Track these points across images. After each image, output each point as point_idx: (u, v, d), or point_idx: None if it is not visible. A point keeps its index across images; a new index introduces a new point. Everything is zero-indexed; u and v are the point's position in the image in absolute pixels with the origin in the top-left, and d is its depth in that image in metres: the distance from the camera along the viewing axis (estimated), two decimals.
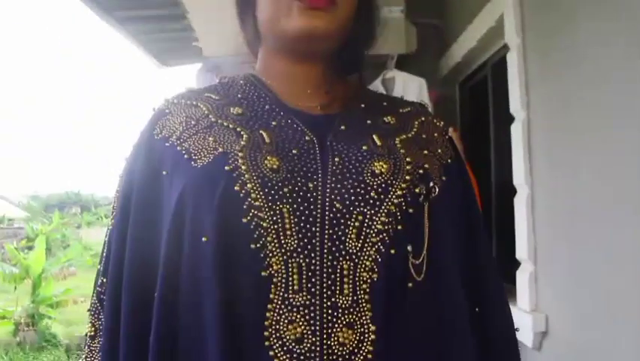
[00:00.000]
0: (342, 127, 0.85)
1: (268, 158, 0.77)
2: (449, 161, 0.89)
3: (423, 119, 0.93)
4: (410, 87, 3.12)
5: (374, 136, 0.83)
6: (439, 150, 0.89)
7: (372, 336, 0.72)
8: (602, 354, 1.72)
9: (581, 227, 1.86)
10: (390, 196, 0.76)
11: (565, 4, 1.90)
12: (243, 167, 0.75)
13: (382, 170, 0.78)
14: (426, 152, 0.86)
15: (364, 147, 0.81)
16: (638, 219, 1.51)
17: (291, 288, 0.72)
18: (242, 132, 0.81)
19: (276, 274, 0.72)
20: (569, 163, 1.92)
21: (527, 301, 2.19)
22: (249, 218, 0.73)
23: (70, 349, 15.27)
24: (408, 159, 0.80)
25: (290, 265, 0.73)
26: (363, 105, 0.91)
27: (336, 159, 0.79)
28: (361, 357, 0.71)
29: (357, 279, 0.73)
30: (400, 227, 0.75)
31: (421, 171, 0.80)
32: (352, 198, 0.76)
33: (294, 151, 0.79)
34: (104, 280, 0.86)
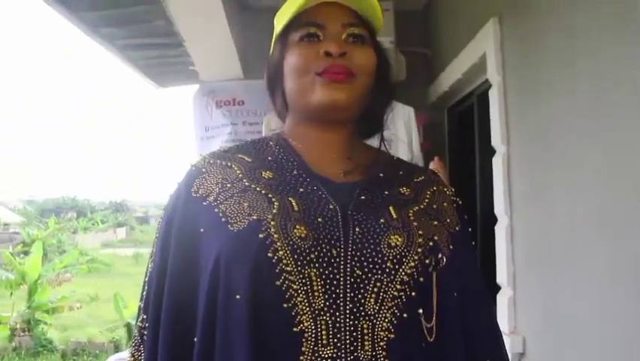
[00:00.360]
0: (363, 197, 0.95)
1: (297, 227, 0.87)
2: (457, 229, 1.00)
3: (435, 188, 1.04)
4: (399, 114, 3.25)
5: (390, 208, 0.94)
6: (448, 220, 1.00)
7: None
8: None
9: (555, 256, 2.00)
10: (404, 267, 0.87)
11: (542, 46, 2.04)
12: (275, 235, 0.85)
13: (397, 243, 0.89)
14: (436, 223, 0.96)
15: (382, 220, 0.91)
16: (605, 250, 1.65)
17: (320, 342, 0.83)
18: (273, 199, 0.91)
19: (306, 330, 0.83)
20: (545, 196, 2.07)
21: (506, 323, 2.32)
22: (280, 281, 0.84)
23: (66, 354, 15.39)
24: (420, 232, 0.91)
25: (319, 322, 0.84)
26: (382, 175, 1.01)
27: (357, 229, 0.90)
28: None
29: (375, 337, 0.85)
30: (413, 293, 0.87)
31: (431, 243, 0.91)
32: (370, 266, 0.87)
33: (319, 220, 0.89)
34: (145, 317, 0.98)
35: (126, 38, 3.17)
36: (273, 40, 1.06)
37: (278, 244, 0.85)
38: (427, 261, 0.89)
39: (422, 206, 0.98)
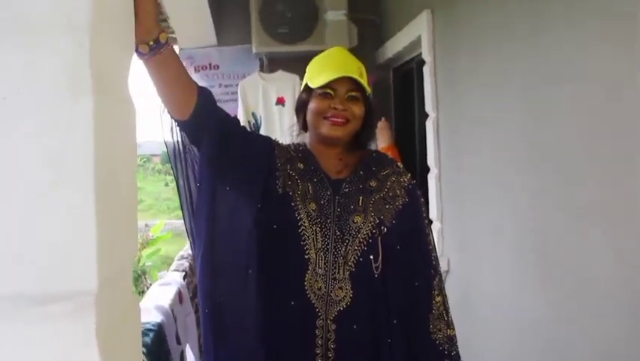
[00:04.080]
0: (346, 189, 1.58)
1: (310, 203, 1.54)
2: (402, 207, 1.60)
3: (394, 179, 1.63)
4: (288, 83, 4.00)
5: (360, 197, 1.57)
6: (397, 203, 1.60)
7: (351, 295, 1.50)
8: (482, 283, 2.61)
9: (468, 196, 2.71)
10: (360, 234, 1.53)
11: (460, 35, 2.68)
12: (300, 205, 1.53)
13: (358, 220, 1.53)
14: (388, 206, 1.58)
15: (352, 206, 1.55)
16: (499, 191, 2.36)
17: (317, 266, 1.50)
18: (299, 182, 1.56)
19: (310, 258, 1.50)
20: (461, 152, 2.76)
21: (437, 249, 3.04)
22: (300, 230, 1.51)
23: None
24: (372, 214, 1.54)
25: (317, 255, 1.51)
26: (361, 172, 1.62)
27: (338, 210, 1.55)
28: (344, 304, 1.50)
29: (346, 269, 1.51)
30: (365, 248, 1.52)
31: (377, 221, 1.54)
32: (344, 231, 1.52)
33: (322, 201, 1.55)
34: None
35: None
36: (304, 84, 1.64)
37: (301, 210, 1.52)
38: (374, 231, 1.53)
39: (381, 194, 1.58)
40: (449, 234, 3.00)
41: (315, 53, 1.67)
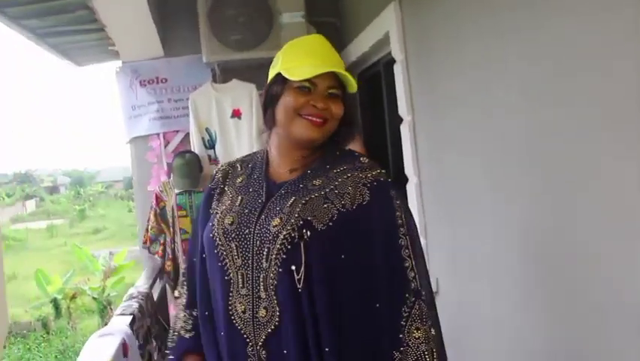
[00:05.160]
0: (283, 191, 1.39)
1: (227, 216, 1.40)
2: (353, 208, 1.33)
3: (349, 175, 1.37)
4: (244, 92, 3.72)
5: (292, 198, 1.36)
6: (343, 202, 1.33)
7: (278, 314, 1.30)
8: (473, 305, 2.28)
9: (456, 209, 2.38)
10: (278, 239, 1.30)
11: (435, 30, 2.37)
12: (216, 224, 1.41)
13: (276, 223, 1.33)
14: (326, 205, 1.33)
15: (278, 208, 1.36)
16: (494, 204, 2.04)
17: (239, 285, 1.35)
18: (229, 198, 1.45)
19: (232, 278, 1.36)
20: (443, 159, 2.44)
21: None
22: (217, 250, 1.38)
23: None
24: (296, 215, 1.32)
25: (239, 274, 1.35)
26: (309, 171, 1.41)
27: (262, 216, 1.36)
28: (272, 326, 1.31)
29: (268, 284, 1.31)
30: (284, 256, 1.29)
31: (301, 222, 1.30)
32: (263, 239, 1.33)
33: (246, 210, 1.39)
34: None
35: (47, 27, 3.23)
36: (274, 73, 1.42)
37: (215, 228, 1.40)
38: (294, 234, 1.30)
39: (323, 192, 1.36)
40: (436, 252, 2.66)
41: (271, 60, 1.48)
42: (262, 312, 1.32)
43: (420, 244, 1.41)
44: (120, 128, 4.01)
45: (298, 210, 1.33)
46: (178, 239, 3.66)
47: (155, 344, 2.53)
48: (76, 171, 61.15)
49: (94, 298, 15.76)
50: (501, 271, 2.04)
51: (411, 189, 2.77)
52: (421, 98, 2.64)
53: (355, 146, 3.22)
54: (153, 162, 4.06)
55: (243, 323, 1.34)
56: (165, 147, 4.04)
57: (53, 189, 55.15)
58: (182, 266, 3.57)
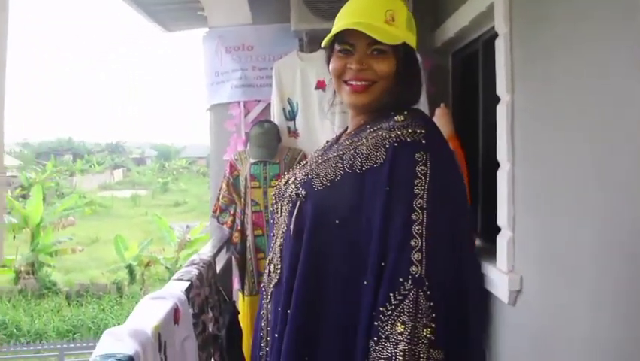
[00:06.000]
0: (318, 158, 1.41)
1: (282, 180, 1.50)
2: (359, 171, 1.24)
3: (375, 135, 1.26)
4: None
5: (316, 160, 1.40)
6: (352, 163, 1.26)
7: (279, 271, 1.37)
8: (564, 309, 2.01)
9: (553, 201, 2.12)
10: (285, 199, 1.39)
11: None
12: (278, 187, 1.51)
13: (289, 181, 1.42)
14: (334, 165, 1.30)
15: (306, 166, 1.43)
16: (599, 195, 1.77)
17: (274, 241, 1.43)
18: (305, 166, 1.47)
19: (273, 235, 1.46)
20: (546, 145, 2.17)
21: (505, 262, 2.46)
22: (272, 208, 1.52)
23: (70, 296, 15.74)
24: (304, 174, 1.36)
25: (274, 230, 1.45)
26: (347, 138, 1.37)
27: (285, 186, 1.47)
28: (275, 280, 1.37)
29: (279, 241, 1.40)
30: (287, 214, 1.36)
31: (303, 182, 1.33)
32: (284, 194, 1.42)
33: (282, 185, 1.49)
34: None
35: None
36: (328, 38, 1.35)
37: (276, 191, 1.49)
38: (293, 193, 1.34)
39: (341, 152, 1.31)
40: (522, 246, 2.40)
41: None
42: (272, 267, 1.40)
43: (448, 225, 1.20)
44: (202, 93, 3.94)
45: (309, 169, 1.35)
46: (249, 211, 3.51)
47: (211, 315, 2.40)
48: (163, 145, 63.39)
49: (166, 268, 16.30)
50: (605, 278, 1.75)
51: (502, 176, 2.51)
52: (523, 75, 2.37)
53: (443, 119, 3.02)
54: (232, 131, 3.97)
55: (268, 278, 1.42)
56: (245, 116, 3.94)
57: (140, 161, 57.39)
58: (249, 239, 3.47)
